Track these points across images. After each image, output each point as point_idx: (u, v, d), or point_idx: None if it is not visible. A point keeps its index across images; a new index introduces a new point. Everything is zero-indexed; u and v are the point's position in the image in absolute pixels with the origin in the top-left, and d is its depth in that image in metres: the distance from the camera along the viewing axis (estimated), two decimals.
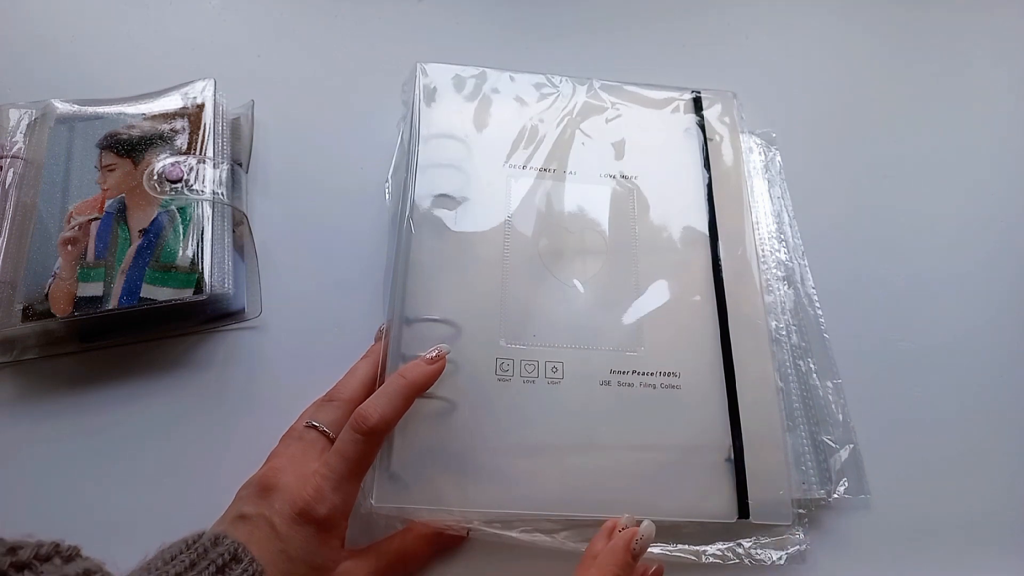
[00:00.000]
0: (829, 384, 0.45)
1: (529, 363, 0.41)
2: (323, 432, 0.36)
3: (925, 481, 0.44)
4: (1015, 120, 0.60)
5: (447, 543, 0.38)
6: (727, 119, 0.52)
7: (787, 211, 0.51)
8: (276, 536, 0.32)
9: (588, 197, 0.47)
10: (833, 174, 0.55)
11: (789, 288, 0.48)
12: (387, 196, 0.48)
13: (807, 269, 0.49)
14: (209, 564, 0.29)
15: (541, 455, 0.39)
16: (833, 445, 0.43)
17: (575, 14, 0.62)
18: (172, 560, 0.28)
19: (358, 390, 0.38)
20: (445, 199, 0.45)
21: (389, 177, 0.49)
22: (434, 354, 0.38)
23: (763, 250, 0.49)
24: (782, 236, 0.50)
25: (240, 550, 0.30)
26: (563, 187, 0.47)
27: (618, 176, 0.48)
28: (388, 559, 0.36)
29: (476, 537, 0.38)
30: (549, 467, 0.39)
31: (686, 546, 0.38)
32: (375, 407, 0.35)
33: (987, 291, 0.51)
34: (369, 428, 0.34)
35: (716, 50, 0.61)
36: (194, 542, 0.30)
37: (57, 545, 0.25)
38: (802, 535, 0.40)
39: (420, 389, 0.37)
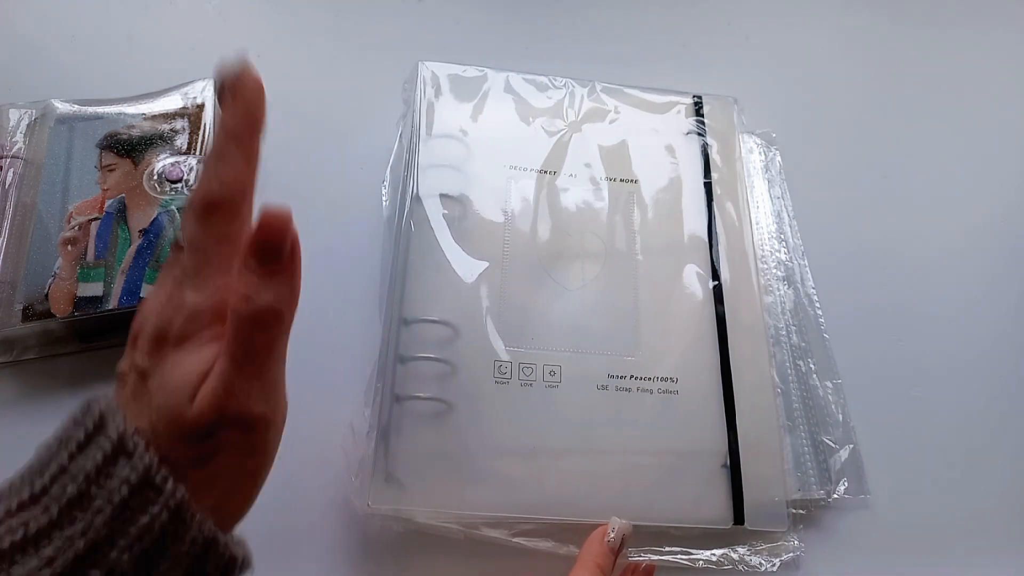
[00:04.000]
0: (829, 384, 0.45)
1: (527, 366, 0.41)
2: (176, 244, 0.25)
3: (925, 481, 0.44)
4: (1015, 120, 0.60)
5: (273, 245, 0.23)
6: (727, 124, 0.52)
7: (787, 211, 0.51)
8: (141, 379, 0.23)
9: (588, 199, 0.47)
10: (833, 174, 0.55)
11: (789, 288, 0.48)
12: (383, 195, 0.48)
13: (807, 269, 0.49)
14: (73, 445, 0.21)
15: (538, 458, 0.39)
16: (833, 445, 0.43)
17: (576, 15, 0.61)
18: (38, 469, 0.22)
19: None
20: (445, 199, 0.45)
21: (386, 175, 0.49)
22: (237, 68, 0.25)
23: (763, 250, 0.49)
24: (782, 236, 0.50)
25: (108, 412, 0.22)
26: (563, 189, 0.47)
27: (618, 179, 0.48)
28: (237, 328, 0.23)
29: (473, 540, 0.38)
30: (545, 470, 0.39)
31: (680, 551, 0.39)
32: (207, 173, 0.24)
33: (987, 291, 0.51)
34: (201, 198, 0.24)
35: (717, 50, 0.61)
36: (66, 421, 0.22)
37: None
38: (797, 541, 0.40)
39: (250, 128, 0.25)
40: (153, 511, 0.21)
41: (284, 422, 0.26)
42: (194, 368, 0.23)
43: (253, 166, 0.25)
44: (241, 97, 0.25)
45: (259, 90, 0.25)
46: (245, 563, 0.23)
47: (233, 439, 0.23)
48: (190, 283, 0.24)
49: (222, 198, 0.24)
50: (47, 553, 0.20)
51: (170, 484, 0.21)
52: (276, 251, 0.23)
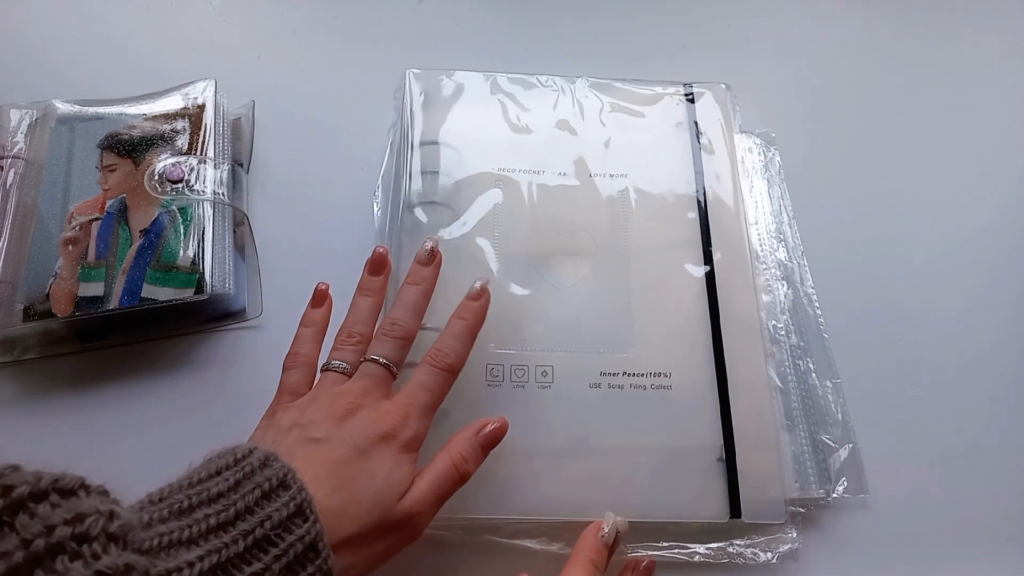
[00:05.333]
0: (828, 384, 0.45)
1: (519, 368, 0.41)
2: (386, 367, 0.35)
3: (924, 481, 0.44)
4: (1015, 120, 0.60)
5: (494, 438, 0.36)
6: (720, 111, 0.51)
7: (786, 211, 0.51)
8: (360, 455, 0.31)
9: (578, 198, 0.47)
10: (833, 174, 0.55)
11: (788, 288, 0.48)
12: (375, 203, 0.48)
13: (807, 269, 0.49)
14: (255, 488, 0.26)
15: (533, 459, 0.39)
16: (832, 444, 0.43)
17: (576, 15, 0.61)
18: (216, 475, 0.27)
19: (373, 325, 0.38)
20: (436, 206, 0.45)
21: (378, 183, 0.49)
22: (478, 287, 0.39)
23: (762, 250, 0.49)
24: (781, 236, 0.50)
25: (289, 476, 0.27)
26: (554, 189, 0.47)
27: (608, 175, 0.48)
28: (441, 471, 0.34)
29: (470, 542, 0.38)
30: (541, 471, 0.39)
31: (678, 546, 0.39)
32: (451, 347, 0.36)
33: (987, 290, 0.51)
34: (448, 365, 0.36)
35: (715, 50, 0.61)
36: (242, 457, 0.28)
37: (56, 480, 0.23)
38: (795, 534, 0.40)
39: (479, 326, 0.38)
40: (311, 570, 0.26)
41: None
42: (408, 476, 0.32)
43: (471, 344, 0.38)
44: (485, 303, 0.39)
45: (488, 304, 0.40)
46: None
47: (393, 534, 0.31)
48: (419, 416, 0.34)
49: (455, 367, 0.37)
50: None
51: (327, 552, 0.27)
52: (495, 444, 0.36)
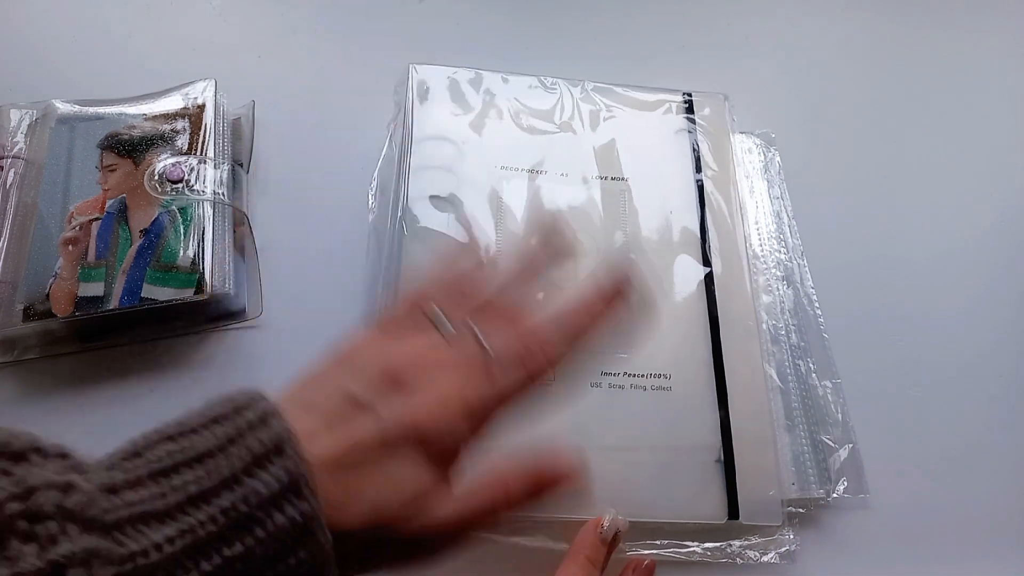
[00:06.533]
0: (828, 384, 0.45)
1: None
2: (484, 349, 0.28)
3: (924, 481, 0.44)
4: (1015, 120, 0.60)
5: (551, 484, 0.29)
6: (718, 121, 0.52)
7: (786, 211, 0.51)
8: (381, 438, 0.25)
9: (579, 199, 0.47)
10: (832, 174, 0.55)
11: (788, 288, 0.48)
12: (371, 197, 0.48)
13: (807, 269, 0.49)
14: (245, 451, 0.21)
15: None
16: (832, 445, 0.43)
17: (576, 16, 0.62)
18: (208, 426, 0.22)
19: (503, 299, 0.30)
20: (437, 201, 0.45)
21: (374, 176, 0.49)
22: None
23: (762, 250, 0.49)
24: (781, 236, 0.50)
25: (287, 442, 0.22)
26: (555, 188, 0.47)
27: (609, 178, 0.48)
28: (480, 499, 0.27)
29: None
30: None
31: (676, 544, 0.39)
32: (556, 350, 0.28)
33: (987, 290, 0.51)
34: (540, 372, 0.28)
35: (715, 51, 0.61)
36: (242, 408, 0.22)
37: (6, 443, 0.20)
38: (792, 535, 0.40)
39: (590, 335, 0.30)
40: (303, 556, 0.21)
41: None
42: (441, 487, 0.26)
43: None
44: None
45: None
46: None
47: (404, 550, 0.26)
48: (479, 419, 0.27)
49: (548, 374, 0.29)
50: (206, 568, 0.20)
51: (323, 535, 0.22)
52: (547, 495, 0.28)
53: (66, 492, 0.19)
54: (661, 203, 0.48)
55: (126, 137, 0.46)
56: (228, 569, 0.20)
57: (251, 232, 0.46)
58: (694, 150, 0.50)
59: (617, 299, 0.30)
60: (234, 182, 0.48)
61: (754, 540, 0.39)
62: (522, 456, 0.28)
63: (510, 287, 0.31)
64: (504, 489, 0.27)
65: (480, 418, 0.27)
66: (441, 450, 0.26)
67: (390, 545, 0.25)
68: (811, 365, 0.46)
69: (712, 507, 0.39)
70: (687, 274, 0.45)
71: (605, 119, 0.50)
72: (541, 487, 0.28)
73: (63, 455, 0.21)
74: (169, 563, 0.19)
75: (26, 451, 0.20)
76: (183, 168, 0.45)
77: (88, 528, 0.19)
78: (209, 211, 0.44)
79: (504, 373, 0.28)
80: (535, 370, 0.28)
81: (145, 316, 0.42)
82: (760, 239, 0.49)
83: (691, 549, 0.39)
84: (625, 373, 0.42)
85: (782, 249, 0.50)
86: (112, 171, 0.45)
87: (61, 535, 0.18)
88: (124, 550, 0.19)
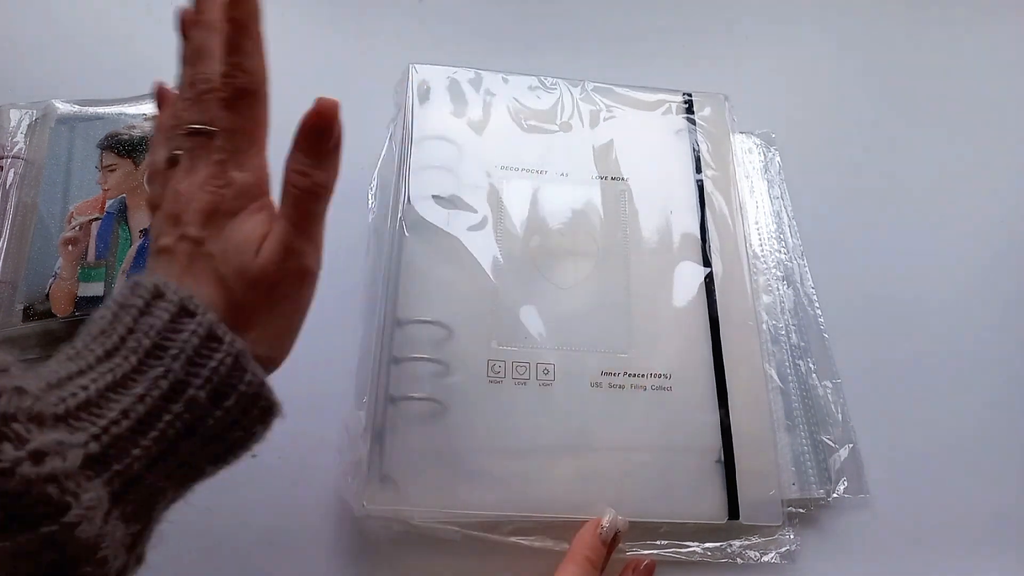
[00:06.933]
0: (828, 384, 0.45)
1: (520, 364, 0.41)
2: (197, 131, 0.29)
3: (925, 481, 0.44)
4: (1016, 119, 0.60)
5: (320, 130, 0.29)
6: (718, 121, 0.52)
7: (787, 211, 0.51)
8: (196, 246, 0.27)
9: (579, 199, 0.47)
10: (833, 174, 0.55)
11: (789, 288, 0.48)
12: (370, 197, 0.48)
13: (807, 269, 0.49)
14: (131, 307, 0.24)
15: (532, 457, 0.39)
16: (832, 445, 0.43)
17: (576, 16, 0.61)
18: (92, 326, 0.25)
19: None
20: (438, 200, 0.45)
21: (374, 176, 0.49)
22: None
23: (762, 250, 0.49)
24: (781, 236, 0.50)
25: (161, 285, 0.25)
26: (555, 189, 0.47)
27: (609, 178, 0.48)
28: (291, 196, 0.29)
29: (469, 540, 0.38)
30: (540, 469, 0.39)
31: (676, 545, 0.39)
32: (246, 62, 0.29)
33: (987, 290, 0.51)
34: (240, 87, 0.29)
35: (716, 51, 0.61)
36: (114, 299, 0.25)
37: None
38: (792, 535, 0.40)
39: (254, 16, 0.31)
40: (219, 357, 0.24)
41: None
42: (255, 231, 0.28)
43: (263, 51, 0.30)
44: None
45: None
46: (278, 408, 0.27)
47: (288, 291, 0.29)
48: (233, 164, 0.28)
49: (252, 86, 0.29)
50: (137, 391, 0.23)
51: (230, 336, 0.25)
52: (328, 133, 0.29)
53: (20, 395, 0.21)
54: (661, 203, 0.48)
55: (126, 137, 0.46)
56: (157, 394, 0.23)
57: None
58: (694, 150, 0.50)
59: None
60: None
61: (754, 540, 0.39)
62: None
63: (190, 75, 0.31)
64: (292, 169, 0.29)
65: (232, 156, 0.28)
66: (238, 204, 0.28)
67: (270, 296, 0.28)
68: (811, 365, 0.46)
69: (712, 507, 0.39)
70: (687, 274, 0.45)
71: (605, 119, 0.50)
72: (310, 137, 0.29)
73: (3, 368, 0.22)
74: (126, 435, 0.22)
75: None
76: None
77: (45, 423, 0.21)
78: None
79: (217, 119, 0.29)
80: (230, 95, 0.29)
81: None
82: (760, 239, 0.49)
83: (691, 549, 0.39)
84: (625, 373, 0.42)
85: (782, 249, 0.50)
86: (112, 171, 0.45)
87: (28, 431, 0.21)
88: (83, 435, 0.22)
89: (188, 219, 0.27)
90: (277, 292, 0.28)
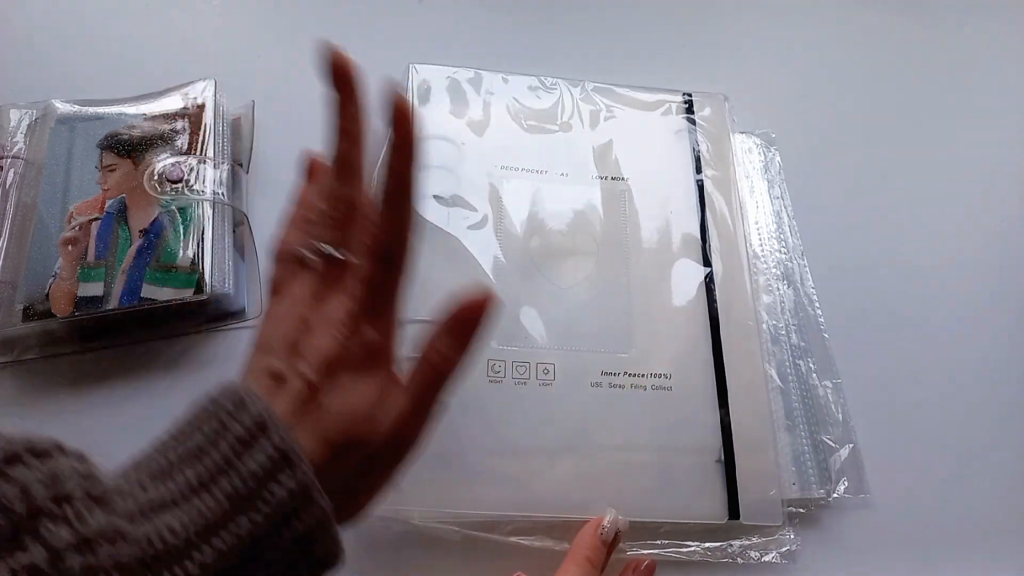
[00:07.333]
0: (828, 384, 0.45)
1: (520, 364, 0.41)
2: (336, 258, 0.30)
3: (925, 481, 0.44)
4: (1016, 120, 0.60)
5: (471, 321, 0.30)
6: (718, 121, 0.52)
7: (787, 211, 0.51)
8: (311, 392, 0.26)
9: (579, 198, 0.47)
10: (833, 174, 0.55)
11: (789, 288, 0.48)
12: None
13: (807, 269, 0.49)
14: (231, 435, 0.23)
15: (533, 457, 0.39)
16: (833, 445, 0.43)
17: (576, 16, 0.62)
18: (196, 423, 0.24)
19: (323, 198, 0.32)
20: (438, 200, 0.45)
21: (374, 177, 0.49)
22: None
23: (762, 250, 0.49)
24: (782, 236, 0.50)
25: (268, 418, 0.24)
26: (555, 188, 0.47)
27: (609, 178, 0.48)
28: (423, 372, 0.30)
29: (470, 540, 0.38)
30: (541, 469, 0.39)
31: (676, 545, 0.39)
32: (391, 223, 0.30)
33: (987, 291, 0.51)
34: (384, 246, 0.29)
35: (715, 51, 0.61)
36: (213, 408, 0.24)
37: (29, 442, 0.21)
38: (793, 535, 0.40)
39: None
40: (306, 519, 0.23)
41: None
42: (370, 395, 0.28)
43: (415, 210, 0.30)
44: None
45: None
46: (342, 561, 0.26)
47: (389, 460, 0.29)
48: (367, 318, 0.28)
49: (404, 250, 0.30)
50: (220, 546, 0.22)
51: (323, 500, 0.24)
52: (478, 324, 0.29)
53: (89, 480, 0.21)
54: (661, 203, 0.48)
55: (126, 137, 0.46)
56: (238, 545, 0.22)
57: (251, 232, 0.46)
58: (694, 150, 0.50)
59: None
60: (234, 182, 0.48)
61: (755, 540, 0.39)
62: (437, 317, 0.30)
63: (337, 191, 0.31)
64: (434, 348, 0.29)
65: (367, 310, 0.29)
66: (362, 361, 0.28)
67: (367, 463, 0.28)
68: (811, 365, 0.46)
69: (712, 507, 0.39)
70: (687, 274, 0.45)
71: (605, 119, 0.51)
72: (460, 324, 0.29)
73: (82, 457, 0.22)
74: (183, 546, 0.21)
75: (49, 449, 0.22)
76: (183, 168, 0.45)
77: (111, 512, 0.21)
78: (209, 211, 0.44)
79: (361, 267, 0.29)
80: (382, 251, 0.29)
81: (145, 316, 0.42)
82: (760, 239, 0.49)
83: (691, 549, 0.39)
84: (625, 373, 0.42)
85: (782, 249, 0.50)
86: (112, 171, 0.45)
87: (88, 514, 0.20)
88: (143, 531, 0.21)
89: (308, 357, 0.27)
90: (378, 460, 0.28)
